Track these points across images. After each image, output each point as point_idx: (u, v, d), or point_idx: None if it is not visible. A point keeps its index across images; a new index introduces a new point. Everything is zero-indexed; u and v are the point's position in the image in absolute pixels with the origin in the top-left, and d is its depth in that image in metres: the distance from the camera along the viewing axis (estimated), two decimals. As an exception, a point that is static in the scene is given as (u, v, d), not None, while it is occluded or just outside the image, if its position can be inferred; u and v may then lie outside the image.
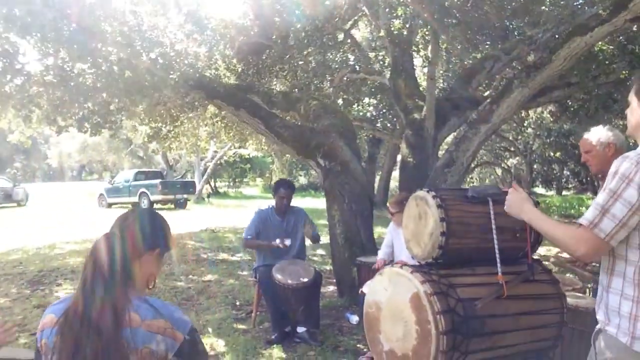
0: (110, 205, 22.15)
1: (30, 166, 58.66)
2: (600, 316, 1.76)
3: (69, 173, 60.59)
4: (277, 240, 4.79)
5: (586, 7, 6.45)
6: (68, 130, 8.23)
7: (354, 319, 5.14)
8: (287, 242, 4.81)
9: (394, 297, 2.31)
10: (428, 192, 2.37)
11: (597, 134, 2.84)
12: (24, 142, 9.47)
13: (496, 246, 2.26)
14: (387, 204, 4.61)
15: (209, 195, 28.10)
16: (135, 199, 20.86)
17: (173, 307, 1.56)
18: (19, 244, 10.65)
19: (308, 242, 5.34)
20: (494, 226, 2.26)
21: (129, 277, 1.54)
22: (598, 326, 1.77)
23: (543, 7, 7.42)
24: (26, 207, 22.75)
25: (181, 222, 14.31)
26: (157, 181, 20.99)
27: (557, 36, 5.89)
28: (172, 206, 21.30)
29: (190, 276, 7.44)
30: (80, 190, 33.07)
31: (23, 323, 5.19)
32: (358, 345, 4.49)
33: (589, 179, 27.65)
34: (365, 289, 4.00)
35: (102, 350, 1.39)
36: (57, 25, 5.10)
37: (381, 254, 4.68)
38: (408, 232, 2.51)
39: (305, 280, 4.47)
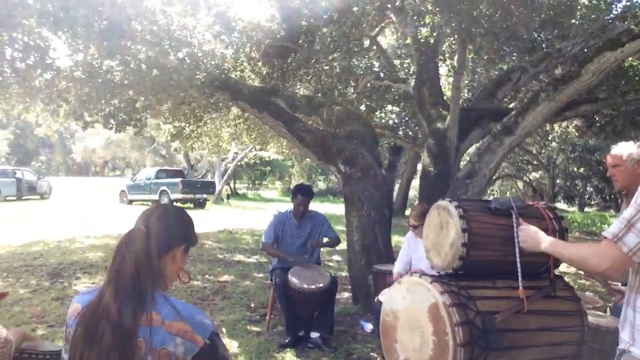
0: (131, 201, 22.45)
1: (55, 160, 59.85)
2: (624, 336, 1.71)
3: (92, 168, 61.58)
4: (292, 259, 4.85)
5: (617, 22, 6.35)
6: (94, 126, 8.37)
7: (369, 326, 5.10)
8: (304, 258, 4.90)
9: (412, 306, 2.28)
10: (450, 202, 2.34)
11: (628, 149, 2.75)
12: (50, 136, 9.64)
13: (518, 260, 2.21)
14: (409, 217, 4.54)
15: (228, 196, 28.27)
16: (155, 196, 21.10)
17: (195, 309, 1.53)
18: (40, 236, 10.84)
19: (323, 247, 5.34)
20: (516, 239, 2.22)
21: (157, 274, 1.54)
22: (621, 346, 1.72)
23: (573, 20, 7.33)
24: (49, 200, 23.19)
25: (200, 221, 14.37)
26: (178, 180, 21.21)
27: (586, 50, 5.81)
28: (192, 205, 21.47)
29: (207, 276, 7.49)
30: (102, 185, 33.58)
31: (41, 315, 5.27)
32: (371, 354, 4.46)
33: (612, 196, 27.16)
34: (381, 297, 3.96)
35: (117, 347, 1.39)
36: (88, 22, 5.19)
37: (398, 267, 4.49)
38: (428, 242, 2.48)
39: (321, 285, 4.46)
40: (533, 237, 2.04)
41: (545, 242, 1.97)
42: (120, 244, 1.55)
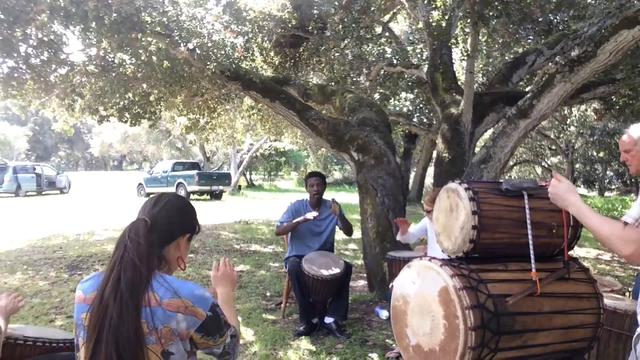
0: (148, 194, 22.60)
1: (74, 155, 60.69)
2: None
3: (110, 162, 62.32)
4: (307, 215, 4.85)
5: (635, 1, 6.18)
6: (109, 120, 8.45)
7: (384, 314, 5.09)
8: (315, 213, 4.87)
9: (422, 290, 2.26)
10: (460, 184, 2.31)
11: (638, 132, 2.59)
12: (67, 130, 9.74)
13: (530, 242, 2.18)
14: (423, 202, 4.55)
15: (240, 187, 28.34)
16: (172, 189, 21.24)
17: (193, 284, 1.56)
18: (60, 230, 11.00)
19: (338, 236, 5.31)
20: (528, 221, 2.18)
21: (158, 261, 1.58)
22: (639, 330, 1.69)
23: (589, 0, 7.16)
24: (68, 195, 23.56)
25: (216, 213, 14.50)
26: (194, 172, 21.30)
27: (602, 30, 5.68)
28: (208, 197, 21.59)
29: (223, 266, 7.52)
30: (120, 179, 33.95)
31: (60, 306, 5.35)
32: (387, 341, 4.45)
33: (633, 180, 26.72)
34: (395, 283, 3.95)
35: (120, 331, 1.41)
36: (98, 15, 5.21)
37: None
38: (439, 225, 2.45)
39: (335, 271, 4.45)
40: (565, 194, 1.86)
41: (575, 204, 1.81)
42: (123, 235, 1.57)
